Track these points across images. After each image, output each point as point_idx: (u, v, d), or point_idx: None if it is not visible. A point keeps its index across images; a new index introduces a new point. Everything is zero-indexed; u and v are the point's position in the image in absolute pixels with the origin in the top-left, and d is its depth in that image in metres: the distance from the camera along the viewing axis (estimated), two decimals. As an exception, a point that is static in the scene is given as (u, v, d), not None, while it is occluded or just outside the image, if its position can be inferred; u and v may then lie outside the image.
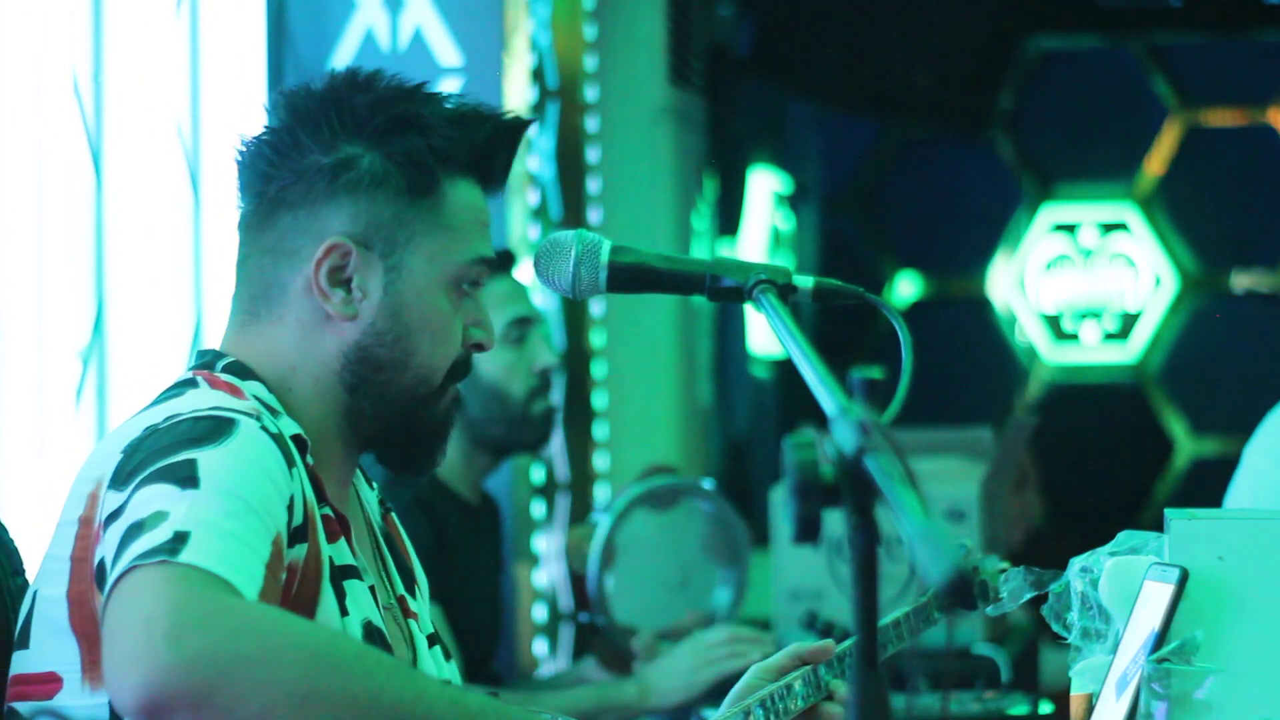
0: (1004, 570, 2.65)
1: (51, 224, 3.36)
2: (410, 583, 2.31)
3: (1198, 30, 8.53)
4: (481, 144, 2.19)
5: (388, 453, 2.24)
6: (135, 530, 1.86)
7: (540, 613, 5.10)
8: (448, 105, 2.19)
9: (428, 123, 2.16)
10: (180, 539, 1.84)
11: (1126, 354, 8.53)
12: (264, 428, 2.01)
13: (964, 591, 1.44)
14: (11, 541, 2.27)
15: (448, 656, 2.36)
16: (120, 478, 1.96)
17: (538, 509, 5.09)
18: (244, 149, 2.20)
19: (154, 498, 1.89)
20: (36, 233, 3.32)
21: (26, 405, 3.28)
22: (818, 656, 2.39)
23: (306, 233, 2.15)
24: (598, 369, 5.67)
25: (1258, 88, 8.44)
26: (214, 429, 1.97)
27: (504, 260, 3.78)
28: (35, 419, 3.29)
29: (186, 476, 1.91)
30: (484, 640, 3.79)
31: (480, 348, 2.23)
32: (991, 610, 2.54)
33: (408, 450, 2.23)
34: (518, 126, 2.24)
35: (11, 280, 3.26)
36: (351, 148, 2.15)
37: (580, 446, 5.56)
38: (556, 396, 3.87)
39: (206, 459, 1.93)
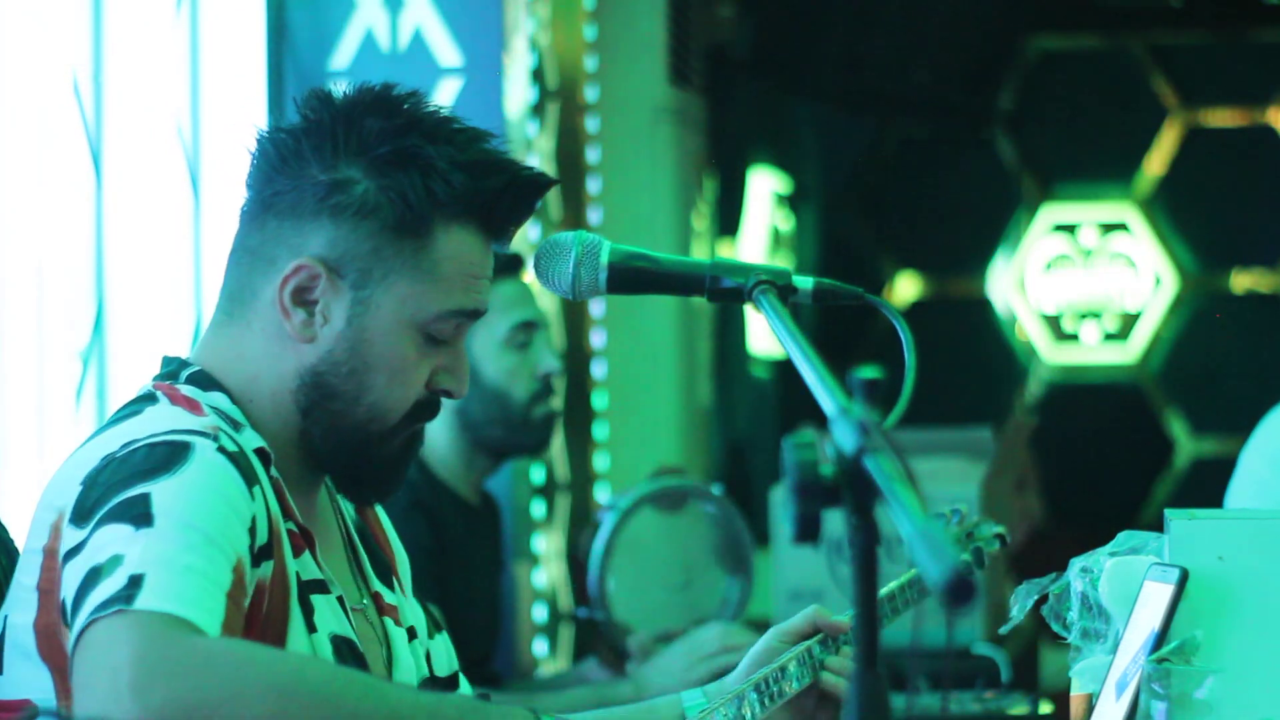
0: (1000, 535, 2.65)
1: (51, 224, 3.36)
2: (387, 576, 2.30)
3: (1198, 30, 8.53)
4: (487, 195, 2.13)
5: (336, 480, 2.21)
6: (94, 576, 1.86)
7: (540, 613, 5.10)
8: (466, 147, 2.12)
9: (432, 163, 2.10)
10: (135, 583, 1.83)
11: (1126, 354, 8.52)
12: (222, 448, 2.00)
13: (964, 592, 1.44)
14: (11, 542, 2.27)
15: (436, 631, 2.35)
16: (80, 514, 1.94)
17: (538, 509, 5.09)
18: (256, 142, 2.18)
19: (110, 540, 1.88)
20: (36, 233, 3.32)
21: (26, 405, 3.28)
22: (833, 630, 2.38)
23: (286, 244, 2.12)
24: (598, 369, 5.67)
25: (1258, 88, 8.44)
26: (169, 456, 1.96)
27: (511, 263, 3.78)
28: (35, 419, 3.29)
29: (141, 514, 1.89)
30: (484, 640, 3.79)
31: (449, 395, 2.19)
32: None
33: (355, 481, 2.20)
34: (535, 184, 2.17)
35: (11, 280, 3.26)
36: (350, 170, 2.11)
37: (580, 447, 5.56)
38: (558, 401, 3.86)
39: (160, 492, 1.91)
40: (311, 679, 1.86)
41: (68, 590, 1.90)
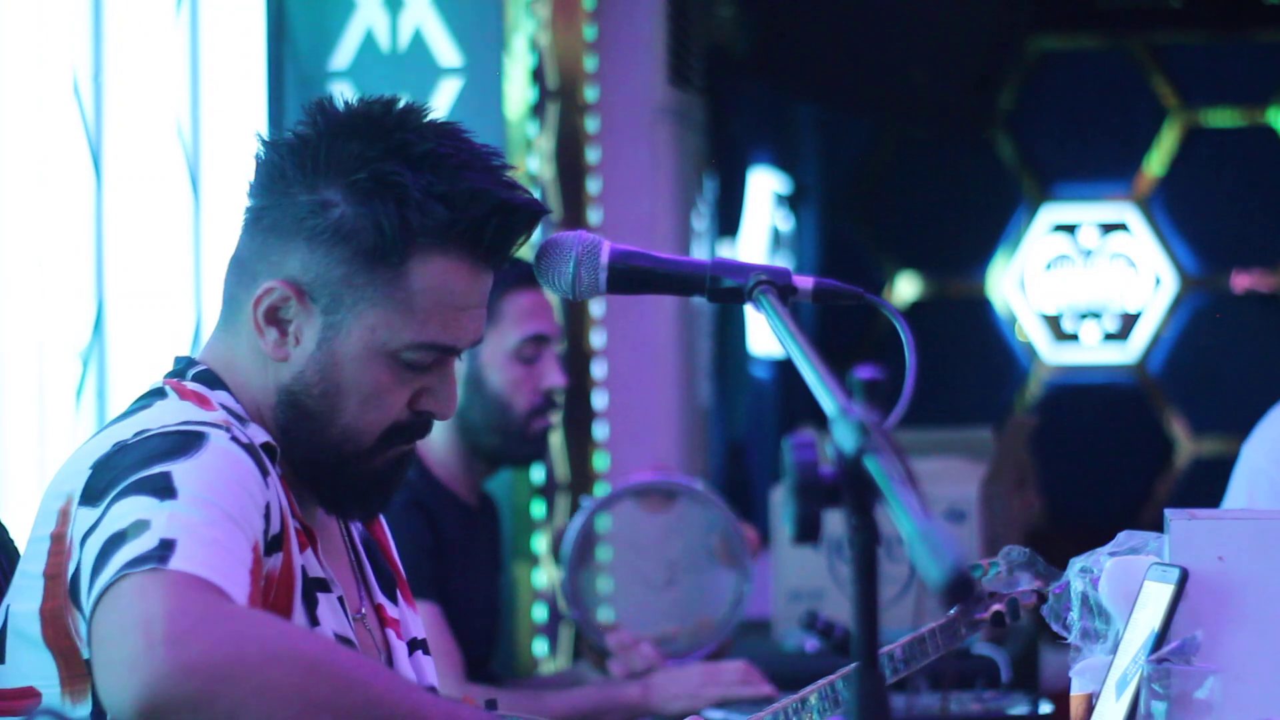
0: (1038, 591, 2.65)
1: (51, 224, 3.36)
2: (392, 590, 2.30)
3: (1198, 30, 8.53)
4: (467, 226, 2.09)
5: (321, 497, 2.19)
6: (117, 540, 1.85)
7: (540, 613, 5.10)
8: (449, 176, 2.08)
9: (408, 193, 2.07)
10: (168, 546, 1.83)
11: (1126, 354, 8.53)
12: (235, 438, 2.00)
13: (964, 591, 1.44)
14: (12, 542, 2.27)
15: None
16: (92, 494, 1.94)
17: (538, 509, 5.09)
18: (256, 152, 2.17)
19: (132, 509, 1.88)
20: (36, 233, 3.32)
21: (26, 405, 3.28)
22: None
23: (266, 261, 2.11)
24: (598, 369, 5.67)
25: (1258, 88, 8.45)
26: (183, 443, 1.96)
27: (532, 274, 3.77)
28: (35, 419, 3.29)
29: (163, 488, 1.89)
30: (483, 641, 3.79)
31: (434, 416, 2.16)
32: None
33: (336, 499, 2.18)
34: (523, 212, 2.14)
35: (11, 280, 3.26)
36: (330, 193, 2.09)
37: (580, 446, 5.56)
38: (557, 417, 3.85)
39: (180, 471, 1.92)
40: (342, 661, 1.86)
41: (85, 560, 1.89)
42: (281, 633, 1.84)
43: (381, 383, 2.12)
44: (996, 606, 2.63)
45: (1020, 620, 2.67)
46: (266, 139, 2.15)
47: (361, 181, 2.08)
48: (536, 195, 5.14)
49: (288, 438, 2.13)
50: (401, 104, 2.13)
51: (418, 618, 2.33)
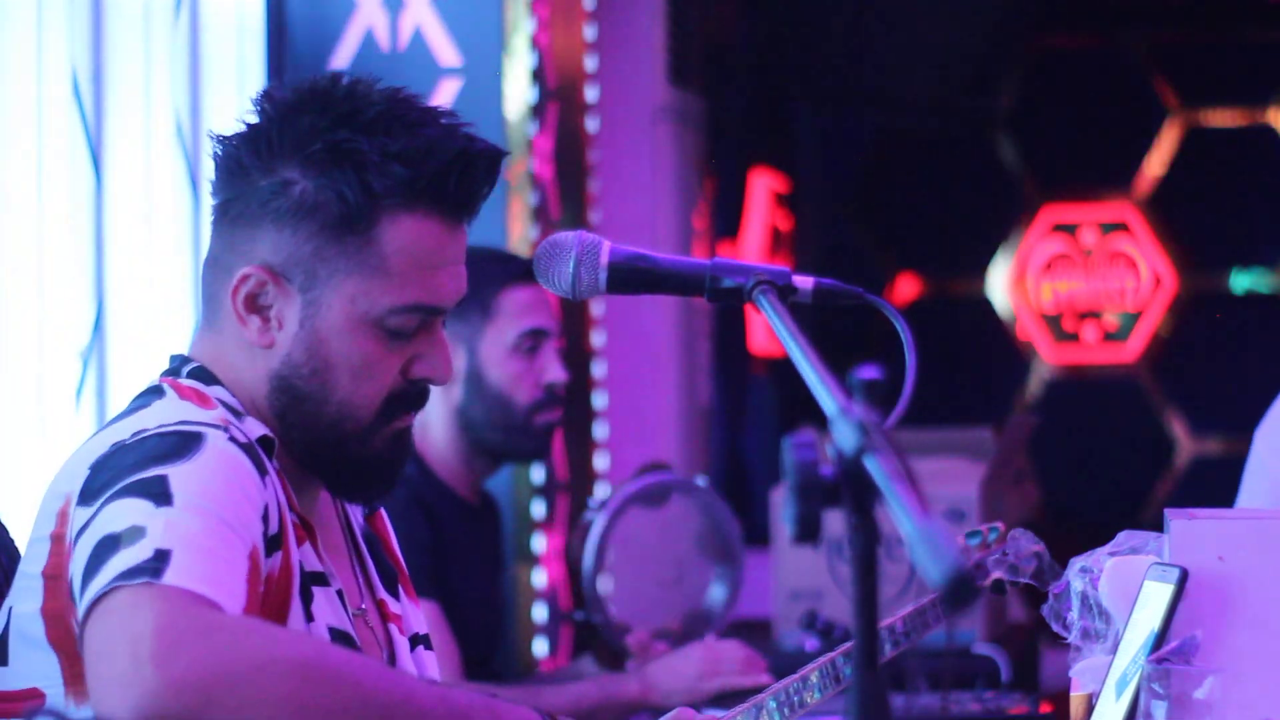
0: (1037, 553, 2.65)
1: (51, 224, 3.35)
2: (394, 585, 2.29)
3: (1198, 30, 8.53)
4: (429, 180, 2.09)
5: (326, 481, 2.18)
6: (111, 544, 1.85)
7: (540, 613, 5.10)
8: (403, 135, 2.08)
9: (365, 157, 2.07)
10: (162, 558, 1.83)
11: (1126, 354, 8.53)
12: (233, 438, 2.00)
13: (964, 592, 1.44)
14: (12, 542, 2.27)
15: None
16: (89, 494, 1.94)
17: (538, 509, 5.09)
18: (214, 151, 2.16)
19: (127, 511, 1.88)
20: (36, 233, 3.32)
21: (26, 405, 3.28)
22: None
23: (238, 252, 2.11)
24: (598, 369, 5.67)
25: (1258, 88, 8.44)
26: (181, 444, 1.96)
27: (528, 270, 3.77)
28: (35, 419, 3.29)
29: (160, 492, 1.89)
30: (484, 640, 3.79)
31: (430, 382, 2.16)
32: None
33: (341, 482, 2.18)
34: (482, 157, 2.12)
35: (11, 280, 3.26)
36: (288, 171, 2.09)
37: (580, 446, 5.56)
38: (561, 412, 3.85)
39: (177, 474, 1.91)
40: (332, 660, 1.87)
41: (78, 562, 1.89)
42: (270, 639, 1.84)
43: (369, 353, 2.11)
44: (996, 574, 2.63)
45: (1017, 583, 2.67)
46: (220, 137, 2.15)
47: (317, 153, 2.08)
48: (535, 194, 5.13)
49: (285, 424, 2.12)
50: (347, 78, 2.13)
51: (420, 613, 2.33)
